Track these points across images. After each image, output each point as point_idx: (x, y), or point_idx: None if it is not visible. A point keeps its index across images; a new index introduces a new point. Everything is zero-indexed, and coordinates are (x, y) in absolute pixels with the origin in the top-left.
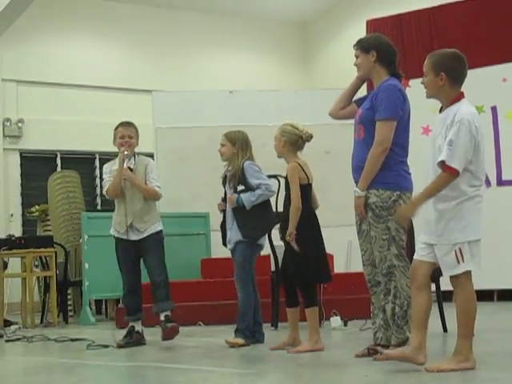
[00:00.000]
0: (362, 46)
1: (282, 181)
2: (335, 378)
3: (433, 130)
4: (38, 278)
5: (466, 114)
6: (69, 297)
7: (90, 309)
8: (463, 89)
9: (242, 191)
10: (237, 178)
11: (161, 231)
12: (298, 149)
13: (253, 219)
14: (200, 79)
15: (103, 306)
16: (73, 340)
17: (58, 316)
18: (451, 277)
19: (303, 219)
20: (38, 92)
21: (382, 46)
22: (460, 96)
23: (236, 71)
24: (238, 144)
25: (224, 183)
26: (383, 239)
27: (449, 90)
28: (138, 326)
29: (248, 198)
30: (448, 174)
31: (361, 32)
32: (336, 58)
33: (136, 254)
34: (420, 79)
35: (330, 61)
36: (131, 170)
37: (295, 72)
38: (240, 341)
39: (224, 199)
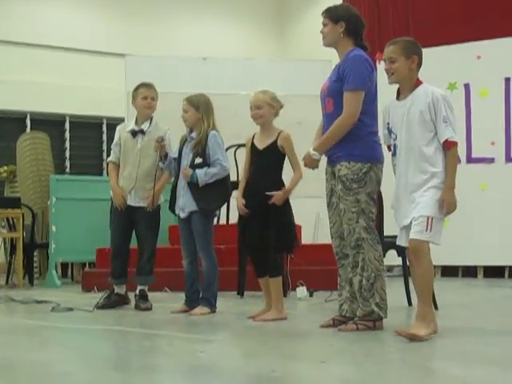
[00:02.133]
0: (331, 16)
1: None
2: (300, 347)
3: (394, 118)
4: (4, 239)
5: (441, 92)
6: (35, 259)
7: (56, 272)
8: (439, 65)
9: (198, 165)
10: (200, 146)
11: (158, 204)
12: (274, 118)
13: (209, 192)
14: (174, 45)
15: (69, 270)
16: (38, 302)
17: (24, 278)
18: (413, 241)
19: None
20: (9, 52)
21: (352, 17)
22: (419, 81)
23: (210, 38)
24: (201, 108)
25: (182, 146)
26: (352, 212)
27: (415, 74)
28: (121, 289)
29: (202, 177)
30: (454, 148)
31: (337, 3)
32: (311, 28)
33: (129, 219)
34: None
35: (306, 31)
36: (143, 132)
37: (270, 41)
38: (205, 310)
39: (178, 162)
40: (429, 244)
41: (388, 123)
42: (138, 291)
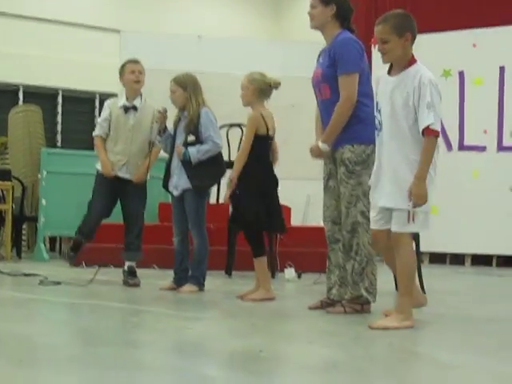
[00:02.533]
0: None
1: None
2: (288, 328)
3: (381, 91)
4: None
5: (432, 77)
6: (24, 232)
7: (44, 245)
8: (434, 51)
9: (191, 143)
10: (193, 123)
11: (145, 181)
12: (266, 97)
13: (202, 170)
14: (170, 22)
15: (57, 244)
16: (25, 275)
17: (12, 250)
18: (395, 235)
19: (257, 170)
20: (3, 23)
21: (343, 2)
22: (415, 59)
23: (206, 16)
24: (189, 88)
25: (176, 125)
26: (352, 195)
27: (409, 50)
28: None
29: (195, 154)
30: (433, 137)
31: None
32: (307, 9)
33: (115, 191)
34: None
35: (303, 12)
36: (135, 108)
37: (267, 21)
38: (193, 288)
39: (172, 140)
40: (410, 234)
41: (376, 93)
42: (126, 267)
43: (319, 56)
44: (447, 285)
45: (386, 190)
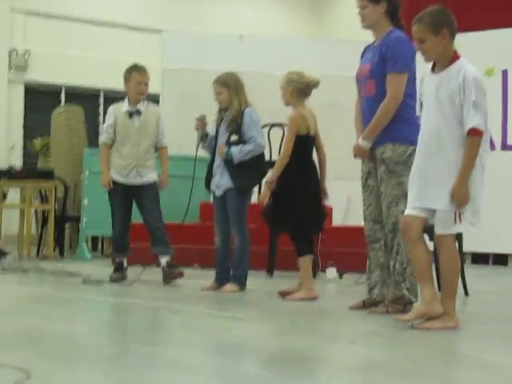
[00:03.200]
0: None
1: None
2: (329, 327)
3: (426, 89)
4: (36, 211)
5: (476, 74)
6: (66, 232)
7: (87, 245)
8: (478, 50)
9: (234, 142)
10: (236, 124)
11: (156, 181)
12: (306, 96)
13: (245, 169)
14: (210, 22)
15: (99, 243)
16: (68, 274)
17: (54, 250)
18: (438, 237)
19: (300, 171)
20: (46, 24)
21: None
22: (457, 55)
23: (247, 16)
24: (231, 86)
25: (218, 125)
26: (393, 195)
27: (450, 46)
28: (125, 263)
29: (237, 154)
30: (478, 137)
31: None
32: (348, 9)
33: (130, 197)
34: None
35: (344, 11)
36: (139, 113)
37: (307, 20)
38: (235, 288)
39: (215, 139)
40: (453, 235)
41: (421, 93)
42: (164, 262)
43: (364, 52)
44: (489, 285)
45: (433, 190)
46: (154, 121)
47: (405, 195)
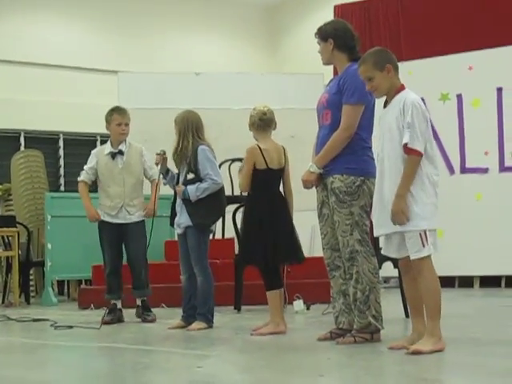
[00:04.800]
0: (320, 35)
1: None
2: (298, 360)
3: (380, 125)
4: None
5: (415, 99)
6: (31, 277)
7: (53, 289)
8: (431, 76)
9: (191, 180)
10: (189, 162)
11: (143, 220)
12: (264, 129)
13: (203, 207)
14: (167, 61)
15: (65, 287)
16: (35, 320)
17: (20, 296)
18: (415, 260)
19: (262, 203)
20: (1, 70)
21: (339, 32)
22: (403, 86)
23: (202, 53)
24: (176, 125)
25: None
26: (346, 224)
27: (395, 80)
28: (119, 304)
29: (193, 192)
30: (413, 156)
31: (328, 16)
32: (303, 42)
33: (120, 236)
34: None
35: (297, 45)
36: (122, 153)
37: (262, 55)
38: (202, 325)
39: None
40: (430, 258)
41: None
42: (139, 302)
43: (328, 83)
44: (457, 308)
45: (382, 217)
46: (137, 159)
47: (357, 224)
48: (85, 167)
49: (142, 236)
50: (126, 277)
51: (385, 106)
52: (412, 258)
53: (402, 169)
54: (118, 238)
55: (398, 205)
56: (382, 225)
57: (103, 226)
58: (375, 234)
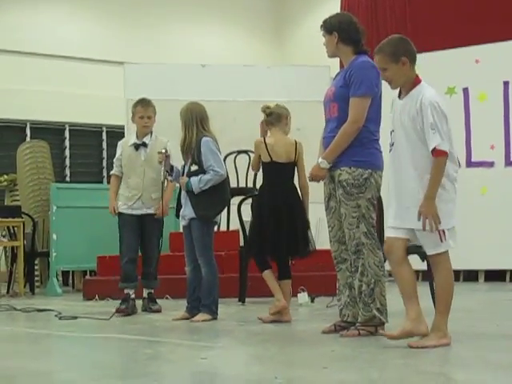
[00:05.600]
0: (325, 28)
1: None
2: (302, 352)
3: (394, 115)
4: (5, 248)
5: (433, 97)
6: (36, 268)
7: (57, 280)
8: (438, 69)
9: (194, 172)
10: (192, 154)
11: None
12: (272, 124)
13: (206, 199)
14: (173, 52)
15: (70, 278)
16: (39, 310)
17: (25, 286)
18: (432, 256)
19: (264, 196)
20: (8, 60)
21: (343, 25)
22: (419, 79)
23: (209, 45)
24: (181, 118)
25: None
26: (353, 217)
27: (410, 72)
28: (132, 294)
29: (196, 184)
30: (441, 157)
31: (335, 8)
32: (310, 34)
33: (138, 226)
34: None
35: (304, 37)
36: (145, 145)
37: (268, 47)
38: (206, 317)
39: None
40: (447, 252)
41: (392, 119)
42: (146, 294)
43: (335, 76)
44: (461, 302)
45: (407, 210)
46: None
47: (364, 217)
48: (114, 160)
49: (156, 228)
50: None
51: (399, 96)
52: (429, 253)
53: (423, 169)
54: (136, 228)
55: (430, 208)
56: (397, 219)
57: (122, 216)
58: (406, 226)
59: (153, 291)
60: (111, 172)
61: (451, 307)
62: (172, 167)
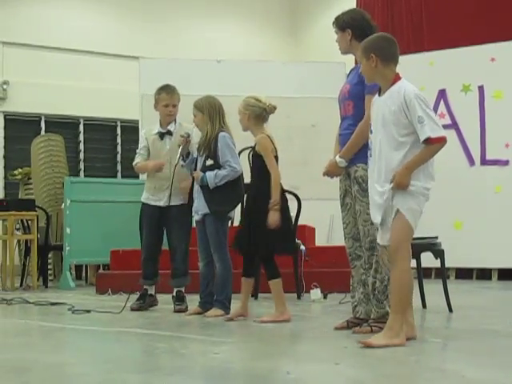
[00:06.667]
0: (338, 24)
1: None
2: (314, 348)
3: (374, 113)
4: (18, 241)
5: (414, 90)
6: (49, 261)
7: (71, 274)
8: (453, 67)
9: (210, 166)
10: (209, 148)
11: (190, 205)
12: (263, 121)
13: (220, 194)
14: (188, 47)
15: (83, 272)
16: (52, 304)
17: (38, 280)
18: (391, 248)
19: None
20: (24, 54)
21: (356, 22)
22: (399, 76)
23: (224, 40)
24: (205, 110)
25: (198, 151)
26: (367, 213)
27: (383, 70)
28: (152, 290)
29: (212, 179)
30: (435, 144)
31: (351, 5)
32: (325, 30)
33: (160, 220)
34: (409, 55)
35: (320, 33)
36: (170, 133)
37: (284, 43)
38: (219, 312)
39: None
40: (408, 249)
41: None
42: (174, 293)
43: (349, 73)
44: (474, 300)
45: (374, 206)
46: None
47: None
48: (137, 150)
49: (184, 222)
50: (166, 262)
51: (379, 94)
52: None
53: (394, 167)
54: (158, 222)
55: (405, 177)
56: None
57: (145, 208)
58: (375, 221)
59: (182, 289)
60: (134, 163)
61: (464, 304)
62: (189, 153)
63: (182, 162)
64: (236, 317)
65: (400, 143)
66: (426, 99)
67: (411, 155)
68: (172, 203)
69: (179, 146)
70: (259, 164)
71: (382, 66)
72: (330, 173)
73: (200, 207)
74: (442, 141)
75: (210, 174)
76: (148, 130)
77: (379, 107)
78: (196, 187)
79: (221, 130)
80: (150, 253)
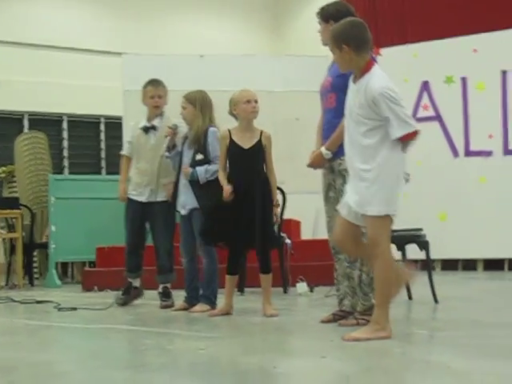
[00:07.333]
0: (322, 16)
1: None
2: (300, 342)
3: (347, 100)
4: (3, 239)
5: (380, 86)
6: (35, 259)
7: (56, 271)
8: (436, 58)
9: (199, 161)
10: (199, 142)
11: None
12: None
13: (210, 189)
14: (171, 43)
15: (69, 269)
16: (38, 302)
17: (24, 278)
18: (370, 240)
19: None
20: (5, 52)
21: (341, 14)
22: (370, 65)
23: (208, 35)
24: (197, 104)
25: (183, 144)
26: None
27: (357, 59)
28: (137, 282)
29: (203, 174)
30: (409, 140)
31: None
32: (309, 24)
33: (143, 216)
34: (392, 47)
35: (304, 27)
36: (155, 128)
37: (267, 37)
38: (205, 307)
39: (179, 159)
40: (388, 240)
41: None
42: (161, 289)
43: (331, 66)
44: (460, 291)
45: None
46: None
47: None
48: (126, 141)
49: (167, 218)
50: (151, 258)
51: (354, 81)
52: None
53: (356, 157)
54: (141, 217)
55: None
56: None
57: (129, 203)
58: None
59: (168, 285)
60: (122, 152)
61: (449, 295)
62: (174, 146)
63: (166, 153)
64: (221, 314)
65: (370, 131)
66: (393, 91)
67: (382, 141)
68: (154, 199)
69: (166, 136)
70: (262, 158)
71: (355, 56)
72: (314, 164)
73: (188, 202)
74: (410, 137)
75: (200, 169)
76: (136, 123)
77: (351, 96)
78: (183, 182)
79: (210, 126)
80: (133, 247)
